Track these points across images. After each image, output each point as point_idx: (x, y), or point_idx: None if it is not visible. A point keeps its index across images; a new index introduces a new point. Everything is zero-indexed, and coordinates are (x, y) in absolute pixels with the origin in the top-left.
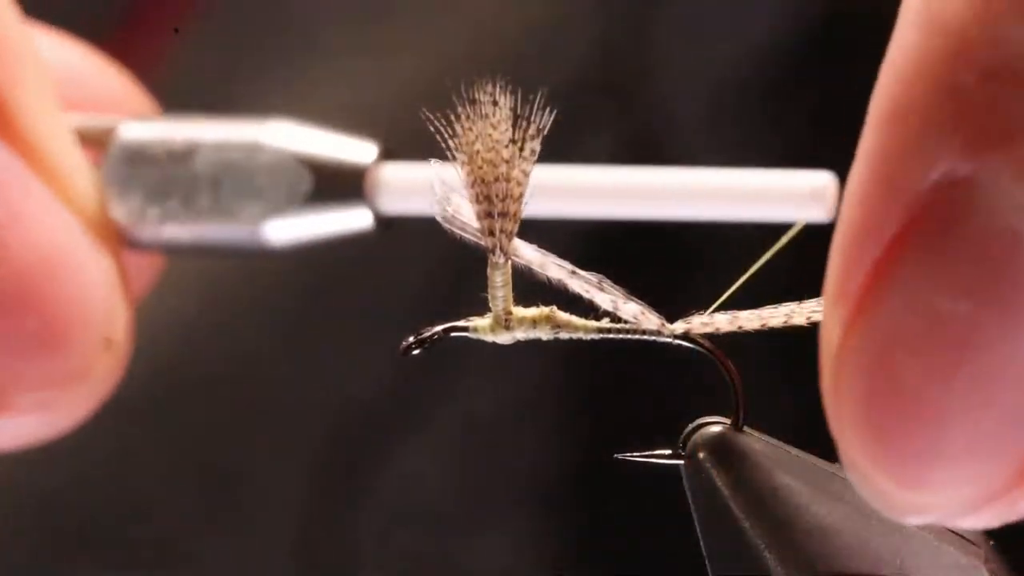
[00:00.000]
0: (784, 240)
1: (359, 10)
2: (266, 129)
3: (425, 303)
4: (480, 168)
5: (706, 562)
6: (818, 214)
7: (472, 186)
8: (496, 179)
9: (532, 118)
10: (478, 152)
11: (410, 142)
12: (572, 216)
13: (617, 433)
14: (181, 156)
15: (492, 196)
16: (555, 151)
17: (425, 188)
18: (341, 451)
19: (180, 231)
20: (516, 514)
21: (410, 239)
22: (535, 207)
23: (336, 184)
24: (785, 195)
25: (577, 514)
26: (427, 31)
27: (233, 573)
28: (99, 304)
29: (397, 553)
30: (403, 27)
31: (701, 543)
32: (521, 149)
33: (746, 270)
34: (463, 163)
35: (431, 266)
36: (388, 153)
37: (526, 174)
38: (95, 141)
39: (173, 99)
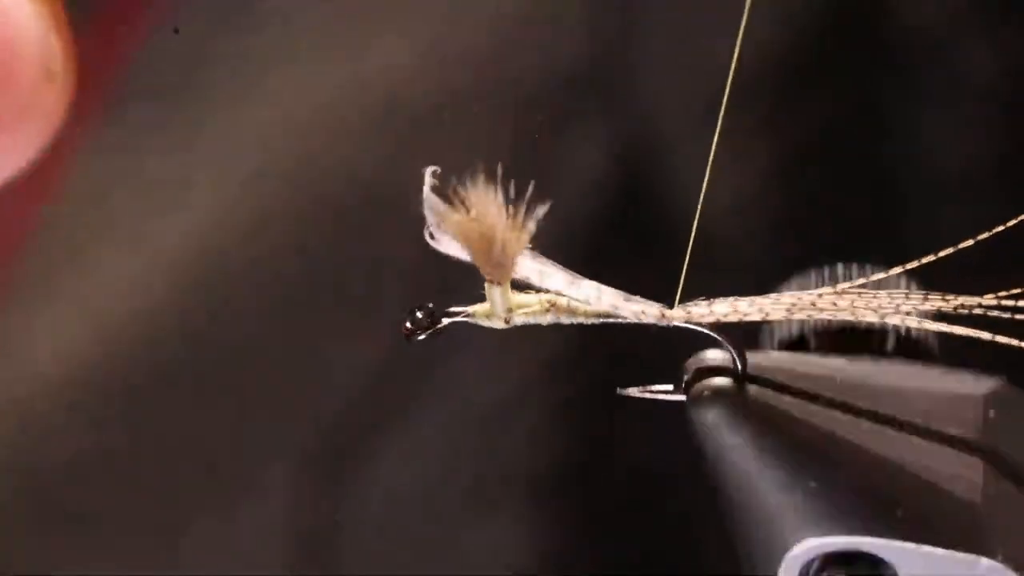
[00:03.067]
0: None
1: (339, 4)
2: None
3: (419, 288)
4: (474, 236)
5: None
6: None
7: (466, 252)
8: (490, 249)
9: (527, 200)
10: (473, 228)
11: (396, 140)
12: None
13: (613, 422)
14: None
15: (486, 255)
16: (544, 150)
17: None
18: (333, 439)
19: None
20: (511, 503)
21: (409, 223)
22: None
23: None
24: None
25: (573, 503)
26: (413, 25)
27: (223, 563)
28: (34, 37)
29: (391, 542)
30: (388, 22)
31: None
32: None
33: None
34: (456, 235)
35: (426, 249)
36: None
37: (521, 240)
38: None
39: (142, 87)
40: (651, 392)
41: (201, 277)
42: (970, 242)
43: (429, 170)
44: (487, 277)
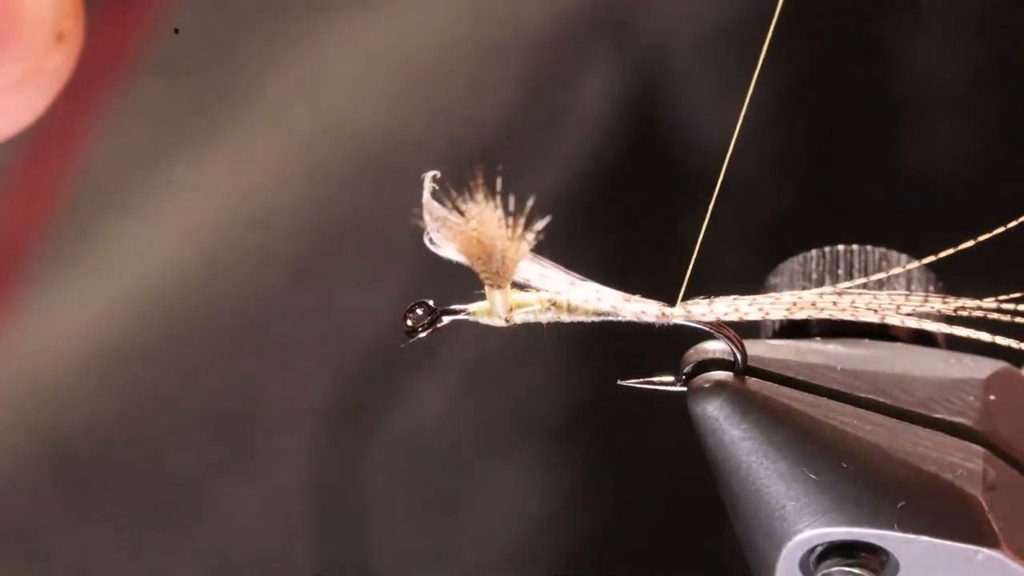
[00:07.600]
0: None
1: None
2: None
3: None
4: (474, 246)
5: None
6: None
7: (465, 257)
8: (490, 259)
9: (527, 203)
10: (473, 233)
11: (424, 113)
12: None
13: (626, 366)
14: None
15: (486, 264)
16: (551, 85)
17: None
18: (350, 390)
19: None
20: (526, 448)
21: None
22: None
23: None
24: None
25: (587, 446)
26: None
27: (244, 516)
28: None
29: (408, 490)
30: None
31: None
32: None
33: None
34: (455, 238)
35: None
36: None
37: (521, 251)
38: None
39: (171, 60)
40: (651, 384)
41: (216, 239)
42: (971, 243)
43: (429, 175)
44: (486, 282)
